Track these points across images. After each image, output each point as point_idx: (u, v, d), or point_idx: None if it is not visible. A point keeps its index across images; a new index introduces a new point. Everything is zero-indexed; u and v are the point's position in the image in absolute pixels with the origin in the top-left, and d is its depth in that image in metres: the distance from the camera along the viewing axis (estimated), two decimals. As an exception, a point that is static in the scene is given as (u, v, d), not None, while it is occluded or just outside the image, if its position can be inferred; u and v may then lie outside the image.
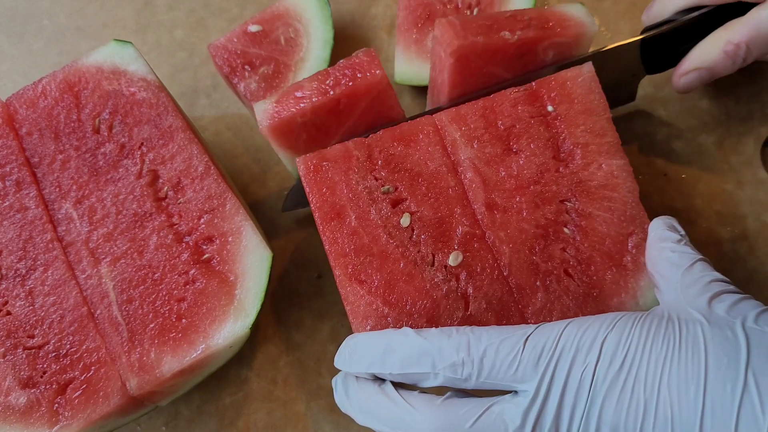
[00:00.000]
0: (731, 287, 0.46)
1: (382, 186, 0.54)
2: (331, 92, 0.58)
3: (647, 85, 0.73)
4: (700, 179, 0.69)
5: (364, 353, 0.47)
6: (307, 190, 0.54)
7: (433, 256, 0.52)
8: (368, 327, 0.50)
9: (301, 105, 0.58)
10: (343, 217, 0.53)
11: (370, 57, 0.58)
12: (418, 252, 0.52)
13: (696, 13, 0.59)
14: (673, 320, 0.44)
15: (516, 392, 0.44)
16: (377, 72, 0.57)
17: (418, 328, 0.50)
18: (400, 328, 0.50)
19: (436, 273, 0.51)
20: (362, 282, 0.51)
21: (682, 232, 0.51)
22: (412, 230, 0.53)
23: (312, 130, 0.60)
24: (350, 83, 0.58)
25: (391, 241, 0.52)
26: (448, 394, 0.46)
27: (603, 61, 0.61)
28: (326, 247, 0.52)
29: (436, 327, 0.50)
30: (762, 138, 0.70)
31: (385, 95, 0.59)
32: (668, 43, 0.61)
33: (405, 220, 0.53)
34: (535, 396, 0.43)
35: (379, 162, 0.54)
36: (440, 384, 0.45)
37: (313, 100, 0.58)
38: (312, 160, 0.54)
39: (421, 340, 0.46)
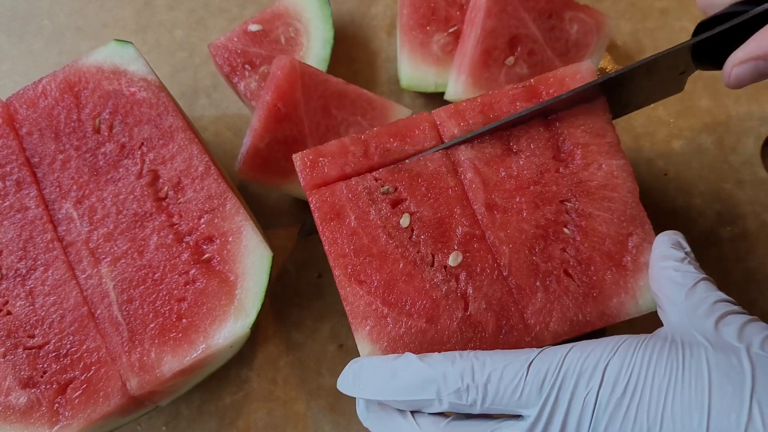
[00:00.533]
0: (736, 307, 0.45)
1: (382, 186, 0.54)
2: (266, 98, 0.63)
3: (647, 85, 0.73)
4: (700, 179, 0.69)
5: (369, 381, 0.47)
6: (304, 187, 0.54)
7: (433, 256, 0.52)
8: (367, 327, 0.50)
9: (254, 131, 0.63)
10: (343, 217, 0.53)
11: (278, 58, 0.65)
12: (418, 252, 0.52)
13: (760, 9, 0.51)
14: (676, 343, 0.43)
15: (521, 416, 0.44)
16: (286, 62, 0.63)
17: (417, 328, 0.50)
18: (399, 328, 0.50)
19: (435, 273, 0.51)
20: (362, 282, 0.51)
21: (687, 249, 0.50)
22: (412, 230, 0.53)
23: (281, 147, 0.64)
24: (272, 82, 0.63)
25: (390, 242, 0.52)
26: (453, 416, 0.46)
27: (651, 64, 0.55)
28: (326, 248, 0.52)
29: (436, 327, 0.50)
30: (762, 138, 0.70)
31: (312, 78, 0.63)
32: (724, 40, 0.54)
33: (404, 221, 0.53)
34: (537, 420, 0.43)
35: (376, 158, 0.54)
36: (445, 410, 0.46)
37: (257, 121, 0.63)
38: (308, 156, 0.54)
39: (425, 367, 0.46)
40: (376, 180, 0.54)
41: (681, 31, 0.75)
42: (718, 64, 0.54)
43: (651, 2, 0.76)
